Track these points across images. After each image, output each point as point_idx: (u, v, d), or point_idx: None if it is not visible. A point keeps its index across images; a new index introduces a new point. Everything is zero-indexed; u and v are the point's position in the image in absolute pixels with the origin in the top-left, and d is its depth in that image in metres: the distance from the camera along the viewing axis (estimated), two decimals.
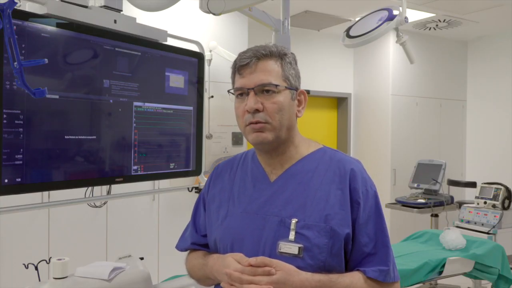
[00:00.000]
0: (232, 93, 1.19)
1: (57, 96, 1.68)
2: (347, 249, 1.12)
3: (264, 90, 1.13)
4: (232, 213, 1.19)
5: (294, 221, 1.10)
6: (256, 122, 1.12)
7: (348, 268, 1.14)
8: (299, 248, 1.08)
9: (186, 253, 1.36)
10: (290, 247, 1.08)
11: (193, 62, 2.27)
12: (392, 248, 1.17)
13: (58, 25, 1.68)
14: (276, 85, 1.13)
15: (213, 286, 1.26)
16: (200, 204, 1.33)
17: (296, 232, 1.09)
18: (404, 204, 4.39)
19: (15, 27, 1.46)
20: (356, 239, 1.13)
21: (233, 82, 1.20)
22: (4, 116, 1.50)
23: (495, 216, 3.75)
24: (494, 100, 5.55)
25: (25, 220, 3.03)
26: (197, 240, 1.29)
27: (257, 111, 1.12)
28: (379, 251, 1.13)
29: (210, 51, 3.69)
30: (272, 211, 1.14)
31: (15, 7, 1.27)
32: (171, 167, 2.18)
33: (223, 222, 1.20)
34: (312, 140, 1.26)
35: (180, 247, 1.34)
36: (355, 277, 1.11)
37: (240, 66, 1.15)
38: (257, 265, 1.05)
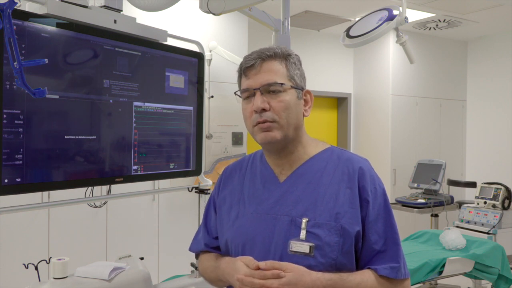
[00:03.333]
0: (239, 96, 1.20)
1: (57, 96, 1.68)
2: (357, 247, 1.14)
3: (270, 90, 1.14)
4: (243, 214, 1.20)
5: (305, 220, 1.11)
6: (264, 122, 1.13)
7: (358, 265, 1.15)
8: (310, 246, 1.09)
9: (188, 253, 1.37)
10: (301, 246, 1.09)
11: (193, 62, 2.27)
12: (401, 245, 1.18)
13: (58, 25, 1.68)
14: (282, 84, 1.14)
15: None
16: (211, 207, 1.33)
17: (307, 231, 1.11)
18: (404, 204, 4.40)
19: (15, 27, 1.46)
20: (366, 237, 1.14)
21: (240, 85, 1.21)
22: (4, 116, 1.50)
23: (495, 216, 3.75)
24: (494, 100, 5.56)
25: (25, 220, 3.03)
26: (210, 242, 1.30)
27: (264, 110, 1.13)
28: (389, 249, 1.14)
29: (210, 51, 3.69)
30: (282, 211, 1.15)
31: (15, 7, 1.27)
32: (171, 167, 2.18)
33: (234, 223, 1.21)
34: (319, 140, 1.27)
35: (193, 249, 1.36)
36: (366, 275, 1.12)
37: (245, 68, 1.17)
38: (267, 268, 1.06)
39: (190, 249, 1.37)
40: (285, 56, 1.18)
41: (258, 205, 1.19)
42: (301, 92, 1.20)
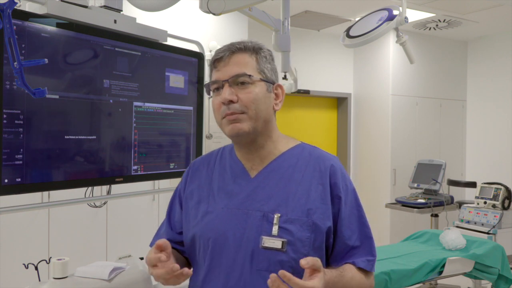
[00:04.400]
0: (209, 88, 1.20)
1: (57, 96, 1.68)
2: (328, 242, 1.15)
3: (238, 81, 1.14)
4: (213, 209, 1.18)
5: (277, 215, 1.11)
6: (232, 113, 1.13)
7: (331, 261, 1.17)
8: (283, 242, 1.09)
9: None
10: (273, 242, 1.09)
11: (193, 62, 2.27)
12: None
13: (58, 25, 1.68)
14: (250, 76, 1.14)
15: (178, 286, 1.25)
16: (176, 201, 1.31)
17: (279, 227, 1.11)
18: (404, 204, 4.40)
19: (15, 27, 1.46)
20: (339, 233, 1.15)
21: (210, 78, 1.21)
22: (4, 116, 1.50)
23: (495, 216, 3.75)
24: (494, 100, 5.55)
25: (25, 220, 3.03)
26: (173, 237, 1.27)
27: (231, 102, 1.13)
28: (363, 243, 1.17)
29: (210, 51, 3.69)
30: (254, 206, 1.15)
31: (15, 7, 1.27)
32: (171, 167, 2.18)
33: (204, 218, 1.18)
34: (290, 137, 1.27)
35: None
36: (352, 270, 1.15)
37: (215, 60, 1.17)
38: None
39: (151, 245, 1.31)
40: (255, 50, 1.18)
41: (229, 200, 1.18)
42: (272, 86, 1.19)
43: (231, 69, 1.14)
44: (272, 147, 1.21)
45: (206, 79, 2.98)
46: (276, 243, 1.09)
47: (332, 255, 1.17)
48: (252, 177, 1.19)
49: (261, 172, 1.19)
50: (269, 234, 1.10)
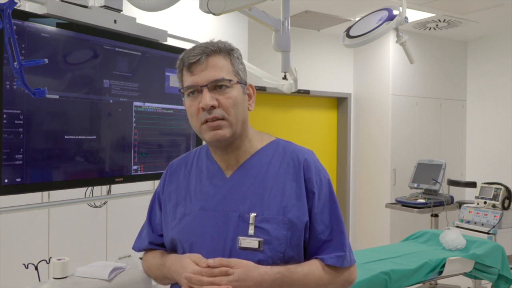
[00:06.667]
0: (182, 93, 1.18)
1: (57, 96, 1.68)
2: (305, 237, 1.14)
3: (217, 86, 1.13)
4: (190, 211, 1.18)
5: (252, 215, 1.11)
6: (213, 119, 1.12)
7: (306, 256, 1.16)
8: (259, 242, 1.09)
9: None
10: (250, 242, 1.10)
11: None
12: (346, 233, 1.21)
13: (58, 25, 1.68)
14: (230, 80, 1.13)
15: (169, 286, 1.26)
16: (155, 203, 1.31)
17: (255, 226, 1.11)
18: (404, 204, 4.40)
19: (15, 27, 1.46)
20: (312, 228, 1.15)
21: (182, 81, 1.18)
22: (4, 116, 1.50)
23: (495, 216, 3.75)
24: (494, 100, 5.55)
25: (25, 220, 3.03)
26: (154, 240, 1.28)
27: (212, 107, 1.12)
28: (335, 238, 1.16)
29: None
30: (230, 207, 1.14)
31: (15, 7, 1.27)
32: None
33: (181, 220, 1.18)
34: (264, 133, 1.27)
35: (137, 247, 1.33)
36: (313, 265, 1.14)
37: (189, 64, 1.14)
38: (215, 266, 1.05)
39: (134, 248, 1.34)
40: (228, 51, 1.17)
41: (205, 201, 1.17)
42: (245, 87, 1.19)
43: (209, 74, 1.12)
44: (248, 146, 1.20)
45: None
46: (253, 243, 1.09)
47: (307, 249, 1.16)
48: (228, 177, 1.19)
49: (236, 171, 1.19)
50: (246, 234, 1.10)
